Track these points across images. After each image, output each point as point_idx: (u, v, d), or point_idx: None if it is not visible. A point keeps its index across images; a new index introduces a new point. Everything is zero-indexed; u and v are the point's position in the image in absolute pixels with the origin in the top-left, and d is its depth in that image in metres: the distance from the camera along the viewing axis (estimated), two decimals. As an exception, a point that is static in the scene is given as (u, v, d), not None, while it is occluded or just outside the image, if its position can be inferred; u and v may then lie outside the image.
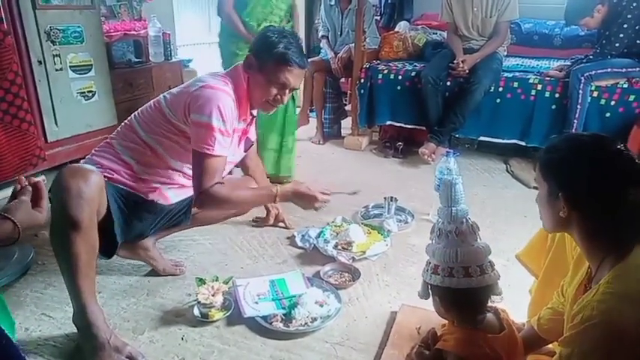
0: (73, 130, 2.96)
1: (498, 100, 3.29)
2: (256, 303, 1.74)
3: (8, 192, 1.29)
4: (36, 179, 1.08)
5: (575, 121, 3.02)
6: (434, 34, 4.16)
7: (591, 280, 1.04)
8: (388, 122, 3.70)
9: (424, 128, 3.50)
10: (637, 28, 2.95)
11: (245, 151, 1.97)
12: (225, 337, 1.61)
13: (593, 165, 0.98)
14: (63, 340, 1.59)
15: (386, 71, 3.60)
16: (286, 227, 2.34)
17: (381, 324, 1.69)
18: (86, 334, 1.46)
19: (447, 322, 1.35)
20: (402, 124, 3.67)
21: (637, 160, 0.97)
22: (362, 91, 3.68)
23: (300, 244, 2.20)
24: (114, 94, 3.18)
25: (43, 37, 2.70)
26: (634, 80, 3.00)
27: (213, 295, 1.67)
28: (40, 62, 2.71)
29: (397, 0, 4.91)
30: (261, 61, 1.69)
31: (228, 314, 1.69)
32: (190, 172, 1.75)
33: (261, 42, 1.72)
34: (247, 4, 2.63)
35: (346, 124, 4.05)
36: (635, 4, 2.92)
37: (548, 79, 3.20)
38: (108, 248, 1.62)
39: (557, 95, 3.14)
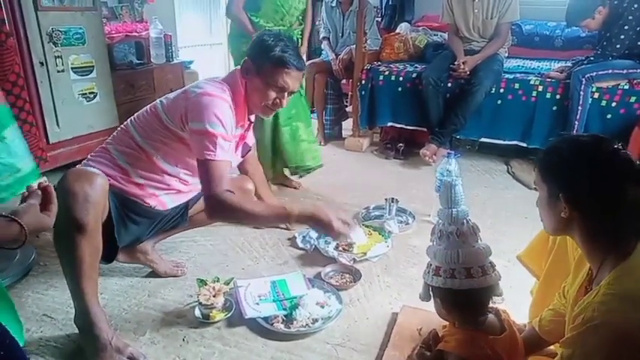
0: (74, 131, 2.97)
1: (499, 102, 3.30)
2: (257, 304, 1.74)
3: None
4: (46, 183, 1.08)
5: (576, 122, 3.02)
6: (435, 35, 4.16)
7: (592, 282, 1.05)
8: (389, 123, 3.70)
9: (425, 129, 3.51)
10: (638, 29, 2.95)
11: (242, 157, 1.97)
12: (226, 338, 1.61)
13: (592, 165, 0.98)
14: (64, 341, 1.59)
15: (387, 72, 3.60)
16: (287, 228, 2.34)
17: (382, 325, 1.69)
18: (88, 335, 1.46)
19: (447, 323, 1.35)
20: (403, 126, 3.67)
21: (635, 160, 0.98)
22: (363, 93, 3.68)
23: (301, 245, 2.20)
24: (115, 96, 3.19)
25: (45, 39, 2.71)
26: (635, 81, 3.00)
27: (214, 296, 1.67)
28: (41, 64, 2.72)
29: (398, 1, 4.92)
30: (258, 65, 1.68)
31: (229, 315, 1.70)
32: (186, 178, 1.76)
33: (258, 46, 1.70)
34: (260, 7, 2.60)
35: (347, 125, 4.06)
36: (636, 6, 2.92)
37: (549, 80, 3.20)
38: (108, 253, 1.62)
39: (558, 96, 3.14)
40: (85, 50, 2.94)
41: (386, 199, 2.47)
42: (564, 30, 4.06)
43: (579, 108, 3.00)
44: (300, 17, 2.80)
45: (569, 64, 3.36)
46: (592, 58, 3.14)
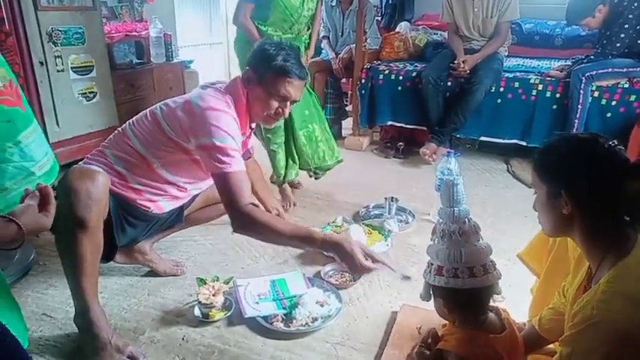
0: (74, 131, 2.97)
1: (499, 101, 3.29)
2: (257, 303, 1.74)
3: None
4: (44, 184, 1.09)
5: (576, 121, 3.02)
6: (435, 34, 4.16)
7: (591, 280, 1.04)
8: (389, 122, 3.70)
9: (425, 128, 3.51)
10: (638, 28, 2.95)
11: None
12: (225, 337, 1.61)
13: (591, 163, 0.98)
14: (64, 340, 1.59)
15: (387, 71, 3.60)
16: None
17: (381, 324, 1.69)
18: (88, 334, 1.46)
19: (447, 322, 1.35)
20: (403, 125, 3.67)
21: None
22: (363, 92, 3.68)
23: (300, 244, 2.19)
24: (115, 95, 3.20)
25: (45, 38, 2.72)
26: (635, 80, 3.00)
27: (213, 295, 1.67)
28: (41, 63, 2.72)
29: (398, 0, 4.91)
30: (260, 74, 1.65)
31: (228, 314, 1.69)
32: (185, 185, 1.75)
33: (259, 55, 1.67)
34: (268, 16, 2.54)
35: (347, 124, 4.05)
36: (636, 4, 2.92)
37: (549, 79, 3.20)
38: (106, 252, 1.61)
39: (558, 95, 3.14)
40: (84, 50, 2.94)
41: (386, 198, 2.47)
42: (564, 29, 4.06)
43: (579, 107, 3.00)
44: (310, 23, 2.76)
45: (569, 62, 3.37)
46: (592, 57, 3.14)
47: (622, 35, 2.98)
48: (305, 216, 2.56)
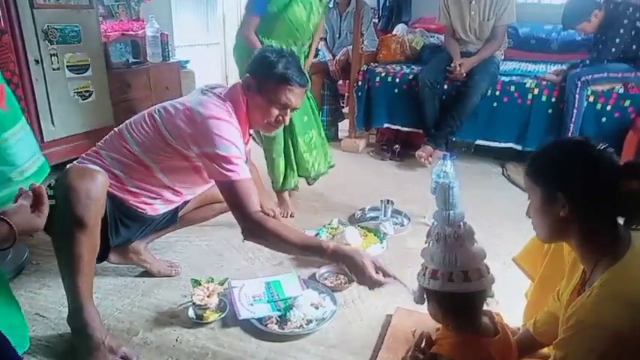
0: (69, 129, 2.96)
1: (495, 104, 3.31)
2: (251, 305, 1.73)
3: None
4: (37, 185, 1.08)
5: (572, 125, 3.04)
6: (431, 37, 4.17)
7: (585, 284, 1.05)
8: (385, 125, 3.71)
9: (421, 131, 3.51)
10: (633, 33, 2.97)
11: None
12: (219, 338, 1.61)
13: (586, 163, 0.99)
14: (57, 340, 1.58)
15: (383, 74, 3.61)
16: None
17: (376, 327, 1.68)
18: (81, 335, 1.45)
19: (441, 325, 1.35)
20: (399, 127, 3.68)
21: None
22: (359, 94, 3.69)
23: (296, 246, 2.19)
24: (111, 94, 3.18)
25: (41, 36, 2.70)
26: (630, 85, 3.02)
27: (208, 297, 1.66)
28: (37, 61, 2.71)
29: (395, 3, 4.93)
30: (260, 82, 1.64)
31: (223, 316, 1.69)
32: (182, 190, 1.75)
33: (260, 63, 1.66)
34: (273, 30, 2.48)
35: (343, 126, 4.06)
36: (631, 10, 2.94)
37: (544, 83, 3.22)
38: (100, 252, 1.60)
39: (553, 99, 3.16)
40: (80, 48, 2.93)
41: (381, 201, 2.47)
42: (560, 33, 4.08)
43: (574, 111, 3.02)
44: (314, 33, 2.71)
45: (564, 67, 3.37)
46: (587, 62, 3.15)
47: (617, 40, 2.99)
48: (300, 218, 2.55)
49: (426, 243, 1.31)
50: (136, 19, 3.75)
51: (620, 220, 0.99)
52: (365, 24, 3.73)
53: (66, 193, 1.38)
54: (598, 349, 0.88)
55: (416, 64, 3.82)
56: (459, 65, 3.30)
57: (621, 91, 3.01)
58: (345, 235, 2.17)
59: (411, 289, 1.74)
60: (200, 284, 1.72)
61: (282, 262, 2.10)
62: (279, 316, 1.67)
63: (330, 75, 3.96)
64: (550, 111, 3.18)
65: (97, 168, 1.51)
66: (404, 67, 3.72)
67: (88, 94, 3.02)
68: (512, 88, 3.26)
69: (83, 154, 1.68)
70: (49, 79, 2.78)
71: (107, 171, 1.58)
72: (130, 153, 1.63)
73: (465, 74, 3.31)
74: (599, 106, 3.05)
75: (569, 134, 3.00)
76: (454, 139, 3.53)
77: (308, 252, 1.51)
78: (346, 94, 4.22)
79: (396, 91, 3.57)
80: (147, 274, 1.95)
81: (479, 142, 3.48)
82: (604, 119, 3.06)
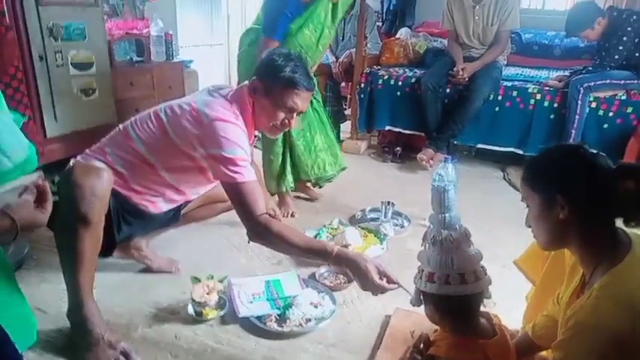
0: (72, 126, 2.96)
1: (497, 109, 3.31)
2: (251, 303, 1.74)
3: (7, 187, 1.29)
4: (41, 181, 1.08)
5: (573, 131, 3.04)
6: (435, 41, 4.18)
7: (585, 287, 1.05)
8: (387, 127, 3.71)
9: (423, 134, 3.52)
10: (636, 41, 2.99)
11: None
12: (218, 335, 1.61)
13: (583, 165, 1.01)
14: (56, 335, 1.58)
15: (386, 77, 3.62)
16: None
17: (375, 327, 1.69)
18: (81, 330, 1.46)
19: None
20: (401, 130, 3.68)
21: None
22: (362, 96, 3.69)
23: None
24: (114, 92, 3.19)
25: (46, 33, 2.71)
26: (632, 92, 3.03)
27: (207, 294, 1.67)
28: (41, 58, 2.72)
29: (399, 7, 4.94)
30: (267, 85, 1.63)
31: (222, 313, 1.69)
32: (185, 189, 1.75)
33: (267, 66, 1.66)
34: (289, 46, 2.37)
35: (345, 128, 4.06)
36: (634, 18, 2.96)
37: (547, 88, 3.23)
38: (105, 247, 1.61)
39: (555, 105, 3.17)
40: (85, 46, 2.94)
41: (382, 202, 2.47)
42: (563, 40, 4.09)
43: (576, 117, 3.03)
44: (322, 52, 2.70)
45: (567, 73, 3.39)
46: (590, 68, 3.17)
47: (620, 48, 3.00)
48: (301, 218, 2.56)
49: (422, 246, 1.32)
50: (140, 18, 3.76)
51: (619, 221, 0.99)
52: (368, 27, 3.74)
53: (71, 189, 1.38)
54: (597, 351, 0.88)
55: (419, 67, 3.83)
56: (462, 69, 3.31)
57: (624, 97, 3.02)
58: (345, 235, 2.17)
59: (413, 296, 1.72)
60: (200, 281, 1.72)
61: (282, 260, 2.10)
62: (279, 315, 1.68)
63: (332, 77, 3.96)
64: (552, 116, 3.18)
65: (102, 165, 1.52)
66: (407, 70, 3.73)
67: (91, 91, 3.02)
68: (515, 93, 3.26)
69: (87, 150, 1.67)
70: (52, 75, 2.78)
71: (111, 168, 1.59)
72: (134, 151, 1.62)
73: (467, 78, 3.31)
74: (601, 113, 3.06)
75: (571, 140, 3.01)
76: (456, 142, 3.53)
77: (312, 255, 1.52)
78: (349, 96, 4.22)
79: (399, 93, 3.57)
80: (147, 270, 1.95)
81: (480, 145, 3.49)
82: (606, 125, 3.06)
